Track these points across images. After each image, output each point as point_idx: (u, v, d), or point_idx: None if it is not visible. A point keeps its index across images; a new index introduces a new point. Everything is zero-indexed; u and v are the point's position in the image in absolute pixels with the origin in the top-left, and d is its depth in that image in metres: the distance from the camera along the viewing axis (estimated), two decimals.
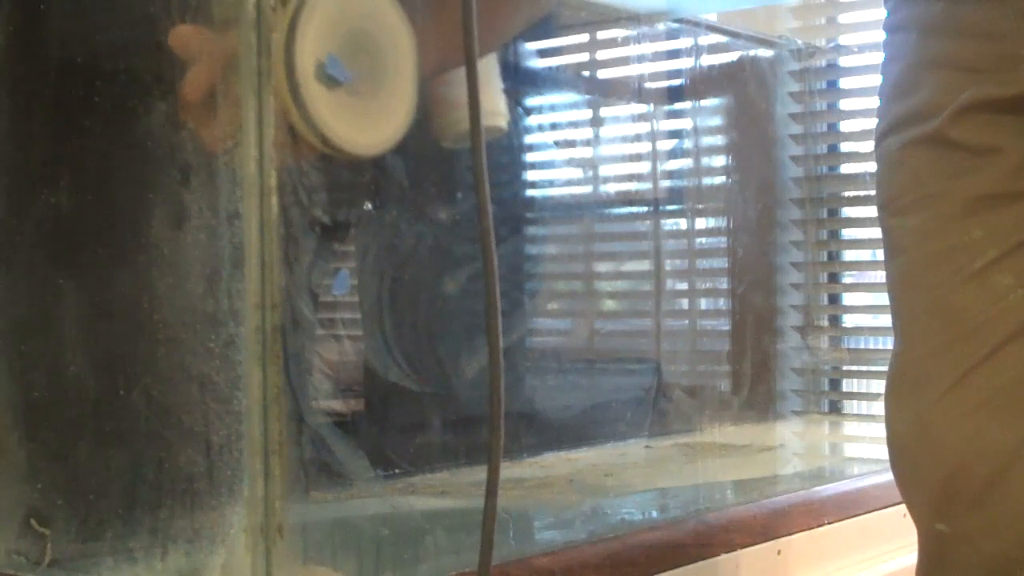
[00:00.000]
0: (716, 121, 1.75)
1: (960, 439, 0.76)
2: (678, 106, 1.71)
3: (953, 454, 0.76)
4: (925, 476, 0.79)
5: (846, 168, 1.78)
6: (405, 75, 0.75)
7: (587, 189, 1.64)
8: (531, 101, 1.51)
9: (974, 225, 0.77)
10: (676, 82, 1.69)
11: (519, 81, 1.47)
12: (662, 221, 1.69)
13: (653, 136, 1.66)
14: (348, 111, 0.71)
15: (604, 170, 1.64)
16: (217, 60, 0.72)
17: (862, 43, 1.75)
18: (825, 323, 1.78)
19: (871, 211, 1.82)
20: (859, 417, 1.77)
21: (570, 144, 1.60)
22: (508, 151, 1.47)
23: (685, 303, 1.75)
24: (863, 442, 1.70)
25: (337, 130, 0.71)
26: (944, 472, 0.76)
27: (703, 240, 1.74)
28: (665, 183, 1.69)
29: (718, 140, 1.75)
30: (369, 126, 0.73)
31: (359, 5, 0.73)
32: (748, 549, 1.09)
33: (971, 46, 0.78)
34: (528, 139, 1.54)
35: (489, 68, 1.14)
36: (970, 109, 0.77)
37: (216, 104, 0.71)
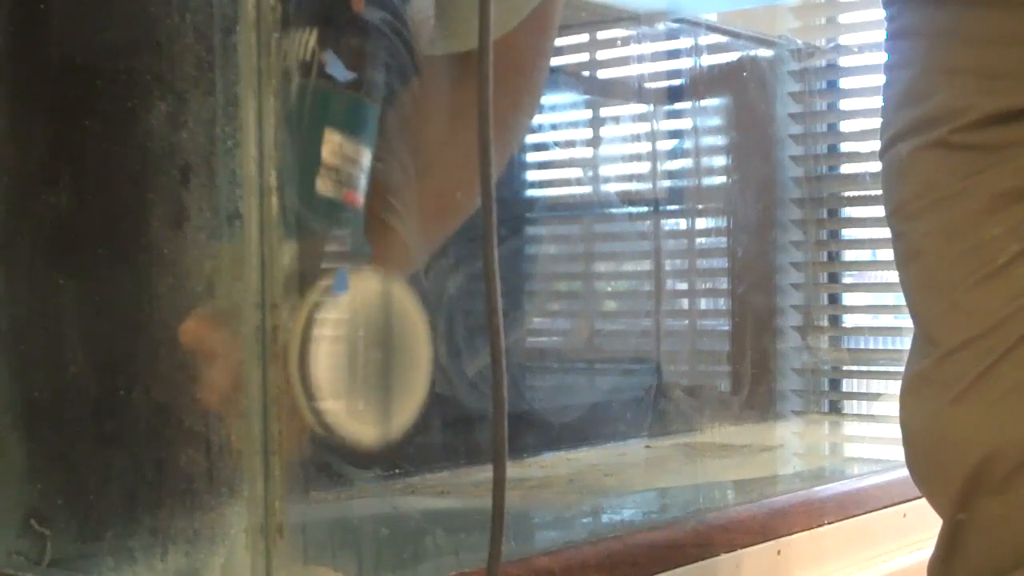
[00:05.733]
0: (716, 121, 1.75)
1: (983, 432, 0.76)
2: (678, 106, 1.71)
3: (976, 447, 0.76)
4: (947, 472, 0.78)
5: (846, 168, 1.78)
6: (419, 364, 0.74)
7: (587, 189, 1.64)
8: None
9: (995, 222, 0.76)
10: (676, 82, 1.70)
11: None
12: (662, 221, 1.69)
13: (653, 136, 1.66)
14: (362, 411, 0.71)
15: (604, 170, 1.64)
16: (233, 361, 0.70)
17: (862, 43, 1.76)
18: (825, 323, 1.78)
19: (871, 211, 1.83)
20: (859, 417, 1.77)
21: (570, 144, 1.60)
22: None
23: (685, 303, 1.75)
24: (863, 442, 1.70)
25: (351, 430, 0.71)
26: (967, 466, 0.76)
27: (703, 240, 1.74)
28: (665, 183, 1.69)
29: (718, 140, 1.75)
30: (381, 421, 0.73)
31: (373, 302, 0.72)
32: (748, 549, 1.09)
33: (988, 52, 0.78)
34: (528, 139, 1.54)
35: None
36: (993, 118, 0.77)
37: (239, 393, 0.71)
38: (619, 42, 1.67)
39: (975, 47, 0.79)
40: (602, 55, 1.69)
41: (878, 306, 1.79)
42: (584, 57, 1.69)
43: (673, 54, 1.70)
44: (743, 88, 1.74)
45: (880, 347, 1.76)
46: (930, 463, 0.80)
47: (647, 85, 1.66)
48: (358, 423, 0.71)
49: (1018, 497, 0.75)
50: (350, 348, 0.70)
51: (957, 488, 0.77)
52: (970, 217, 0.78)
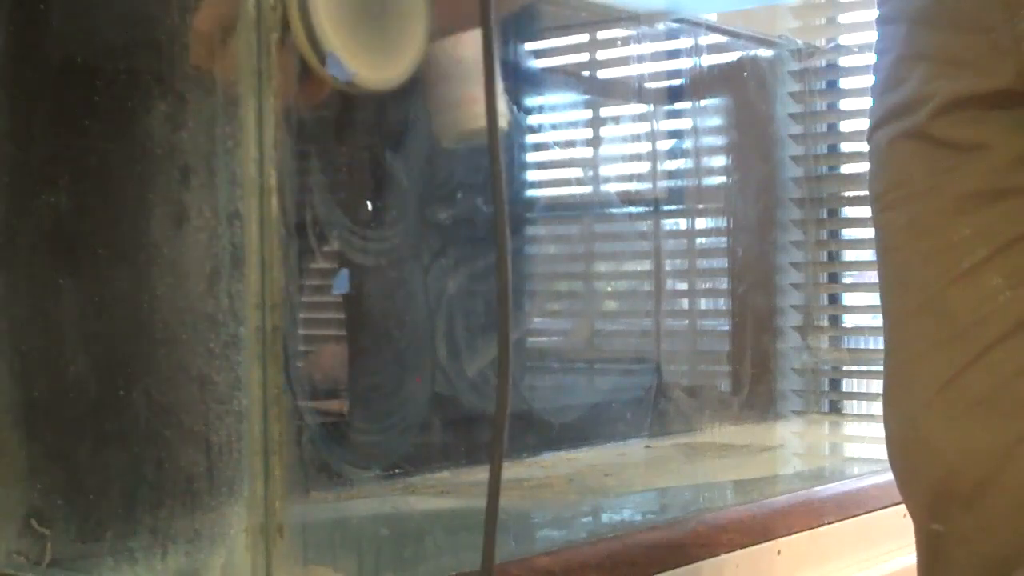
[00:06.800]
0: (716, 121, 1.75)
1: (952, 441, 0.76)
2: (678, 106, 1.71)
3: (945, 456, 0.76)
4: (920, 478, 0.79)
5: (846, 168, 1.78)
6: (416, 10, 0.76)
7: (587, 189, 1.64)
8: (531, 101, 1.51)
9: (963, 223, 0.76)
10: (676, 82, 1.69)
11: (519, 81, 1.47)
12: (662, 221, 1.69)
13: (653, 136, 1.66)
14: (361, 47, 0.73)
15: (604, 170, 1.64)
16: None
17: (862, 43, 1.75)
18: (825, 323, 1.78)
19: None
20: (859, 417, 1.77)
21: (570, 144, 1.60)
22: (508, 151, 1.47)
23: (685, 303, 1.75)
24: (863, 442, 1.70)
25: (351, 69, 0.73)
26: (937, 474, 0.76)
27: (703, 240, 1.74)
28: (665, 183, 1.69)
29: (718, 140, 1.75)
30: (381, 61, 0.75)
31: None
32: (748, 549, 1.09)
33: (958, 38, 0.78)
34: (528, 139, 1.54)
35: None
36: (954, 105, 0.77)
37: (227, 41, 0.72)
38: (619, 42, 1.67)
39: (940, 32, 0.78)
40: (602, 55, 1.69)
41: (878, 306, 1.78)
42: (584, 57, 1.69)
43: (673, 54, 1.70)
44: (743, 88, 1.74)
45: (880, 347, 1.76)
46: (904, 466, 0.81)
47: (647, 85, 1.66)
48: (357, 60, 0.73)
49: (991, 510, 0.75)
50: None
51: (927, 495, 0.77)
52: (940, 216, 0.77)
